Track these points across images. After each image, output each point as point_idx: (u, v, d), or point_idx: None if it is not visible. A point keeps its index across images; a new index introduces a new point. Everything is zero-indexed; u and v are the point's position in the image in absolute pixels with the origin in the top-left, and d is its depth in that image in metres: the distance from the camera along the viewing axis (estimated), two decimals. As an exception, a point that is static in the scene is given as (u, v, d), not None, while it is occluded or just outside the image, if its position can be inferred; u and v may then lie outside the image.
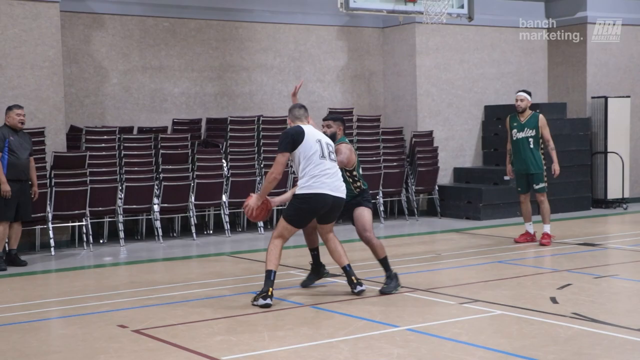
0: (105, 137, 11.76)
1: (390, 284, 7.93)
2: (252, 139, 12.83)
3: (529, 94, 11.04)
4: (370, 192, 13.17)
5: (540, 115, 10.92)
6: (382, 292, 7.86)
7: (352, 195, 8.08)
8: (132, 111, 12.99)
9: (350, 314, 7.10)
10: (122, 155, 11.72)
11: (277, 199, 8.01)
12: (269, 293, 7.35)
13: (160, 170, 11.86)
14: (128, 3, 12.92)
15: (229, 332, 6.54)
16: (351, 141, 13.59)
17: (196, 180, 11.96)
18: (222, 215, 12.32)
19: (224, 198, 12.20)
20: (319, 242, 8.23)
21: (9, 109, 10.11)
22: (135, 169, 11.71)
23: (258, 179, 12.45)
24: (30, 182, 10.21)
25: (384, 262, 8.04)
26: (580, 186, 14.94)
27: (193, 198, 11.96)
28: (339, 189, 7.59)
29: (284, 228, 7.52)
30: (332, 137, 8.08)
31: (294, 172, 12.09)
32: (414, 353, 5.87)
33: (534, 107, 10.97)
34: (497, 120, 14.87)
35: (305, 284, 8.32)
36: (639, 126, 16.01)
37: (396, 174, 13.77)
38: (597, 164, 15.27)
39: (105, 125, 12.48)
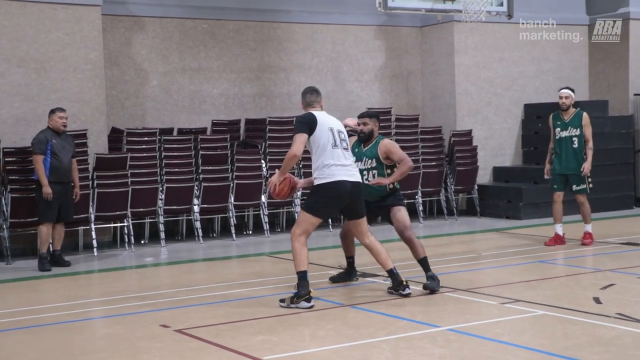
0: (145, 138, 11.88)
1: (434, 281, 7.89)
2: (291, 139, 12.78)
3: (573, 91, 10.79)
4: (409, 191, 13.36)
5: (585, 114, 10.64)
6: (426, 287, 7.83)
7: (384, 194, 8.11)
8: (172, 112, 13.10)
9: (390, 314, 7.08)
10: (162, 156, 11.83)
11: (302, 181, 8.03)
12: (310, 295, 7.33)
13: (200, 171, 11.94)
14: (168, 5, 13.05)
15: (270, 332, 6.57)
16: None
17: (235, 181, 12.03)
18: (262, 216, 12.38)
19: (263, 198, 12.24)
20: (355, 251, 8.40)
21: (52, 112, 10.27)
22: (176, 170, 11.81)
23: (297, 178, 12.44)
24: (72, 184, 10.36)
25: (423, 262, 8.02)
26: (623, 184, 14.72)
27: (232, 198, 12.03)
28: (354, 175, 7.46)
29: (305, 221, 7.37)
30: (370, 134, 8.14)
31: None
32: (456, 353, 5.84)
33: (575, 105, 10.78)
34: (537, 118, 14.73)
35: (335, 280, 8.46)
36: (683, 123, 15.74)
37: (435, 174, 13.71)
38: (640, 162, 15.06)
39: (146, 126, 12.60)
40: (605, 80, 15.69)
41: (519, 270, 9.23)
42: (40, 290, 8.96)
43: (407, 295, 7.66)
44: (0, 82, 10.95)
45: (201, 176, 11.91)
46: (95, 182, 11.08)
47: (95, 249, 10.99)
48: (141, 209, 11.48)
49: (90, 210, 11.01)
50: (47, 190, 9.95)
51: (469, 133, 14.42)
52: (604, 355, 5.68)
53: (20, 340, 6.68)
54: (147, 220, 11.87)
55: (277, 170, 7.65)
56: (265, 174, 12.31)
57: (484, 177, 14.78)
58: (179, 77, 13.16)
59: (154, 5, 12.93)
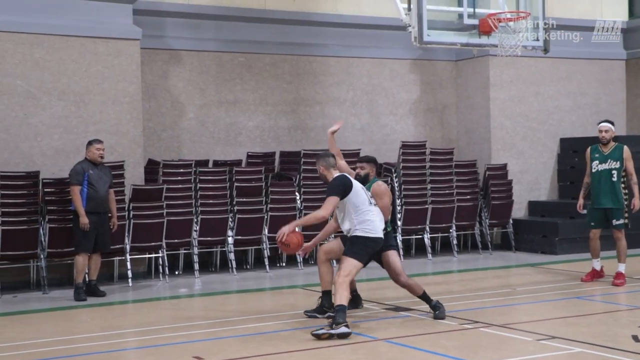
0: (181, 170, 11.98)
1: (440, 309, 8.21)
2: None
3: (613, 124, 10.61)
4: (443, 225, 13.30)
5: (625, 147, 10.47)
6: (437, 318, 8.14)
7: None
8: (208, 144, 13.23)
9: (424, 348, 7.03)
10: (197, 188, 11.91)
11: (308, 244, 8.43)
12: (347, 324, 7.48)
13: (234, 202, 12.01)
14: (205, 39, 13.22)
15: (302, 366, 6.54)
16: (423, 175, 13.55)
17: (270, 213, 12.07)
18: (295, 248, 12.36)
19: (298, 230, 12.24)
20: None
21: (89, 143, 10.43)
22: (210, 201, 11.88)
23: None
24: (109, 214, 10.48)
25: (424, 297, 8.33)
26: (662, 220, 14.49)
27: (266, 230, 12.06)
28: (382, 232, 8.03)
29: (353, 266, 7.76)
30: (366, 177, 8.46)
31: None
32: (490, 390, 5.76)
33: (613, 140, 10.65)
34: (573, 152, 14.62)
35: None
36: None
37: (469, 207, 13.64)
38: (679, 198, 14.81)
39: (182, 158, 12.73)
40: (643, 114, 15.56)
41: (554, 306, 9.11)
42: (76, 320, 9.04)
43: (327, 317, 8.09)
44: (41, 114, 11.16)
45: (235, 208, 11.97)
46: (132, 212, 11.19)
47: (130, 280, 11.07)
48: (176, 240, 11.56)
49: (126, 240, 11.10)
50: (83, 220, 10.08)
51: (504, 167, 14.35)
52: (643, 395, 5.57)
53: (55, 370, 6.73)
54: (182, 252, 11.94)
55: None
56: (299, 206, 12.35)
57: (519, 211, 14.67)
58: (214, 110, 13.30)
59: (191, 39, 13.13)
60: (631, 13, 16.00)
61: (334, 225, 8.34)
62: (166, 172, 11.87)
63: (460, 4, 11.80)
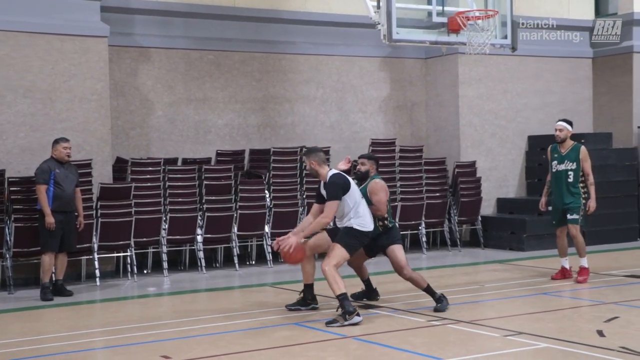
0: (150, 168, 11.94)
1: (442, 302, 8.46)
2: (295, 170, 12.91)
3: (570, 123, 10.57)
4: (413, 222, 13.37)
5: (582, 147, 10.41)
6: (437, 310, 8.38)
7: (378, 232, 8.56)
8: (177, 143, 13.18)
9: (392, 345, 7.08)
10: (166, 186, 11.88)
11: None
12: (358, 311, 7.90)
13: (203, 201, 11.98)
14: (173, 37, 13.17)
15: (271, 364, 6.56)
16: (392, 172, 13.62)
17: (239, 211, 12.05)
18: (265, 246, 12.39)
19: (267, 229, 12.27)
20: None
21: (56, 142, 10.34)
22: (179, 199, 11.84)
23: (300, 209, 12.51)
24: (76, 213, 10.41)
25: (428, 290, 8.56)
26: (627, 217, 14.71)
27: (236, 229, 12.05)
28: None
29: (341, 256, 8.10)
30: (366, 174, 8.78)
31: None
32: (457, 386, 5.82)
33: (579, 137, 10.69)
34: (540, 150, 14.75)
35: (356, 297, 9.00)
36: (687, 156, 15.76)
37: (439, 205, 13.73)
38: (644, 195, 15.04)
39: (151, 156, 12.68)
40: (609, 112, 15.76)
41: (522, 302, 9.21)
42: (43, 320, 8.97)
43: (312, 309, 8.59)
44: (7, 112, 11.04)
45: (205, 206, 11.95)
46: (99, 211, 11.12)
47: (97, 279, 11.00)
48: (144, 239, 11.51)
49: (94, 239, 11.04)
50: (49, 219, 10.00)
51: (472, 164, 14.46)
52: (607, 389, 5.66)
53: (21, 370, 6.68)
54: (150, 250, 11.89)
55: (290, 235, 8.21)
56: (269, 204, 12.35)
57: (487, 208, 14.79)
58: (184, 108, 13.25)
59: (160, 37, 13.07)
60: (597, 11, 16.19)
61: (313, 220, 8.37)
62: (135, 170, 11.82)
63: (429, 2, 11.87)
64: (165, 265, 11.64)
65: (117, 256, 11.58)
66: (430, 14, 11.86)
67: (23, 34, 11.14)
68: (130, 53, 12.85)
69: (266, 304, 9.25)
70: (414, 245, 13.80)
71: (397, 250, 8.55)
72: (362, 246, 8.41)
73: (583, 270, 10.35)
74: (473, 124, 14.79)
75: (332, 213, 8.05)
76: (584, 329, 7.62)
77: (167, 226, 11.64)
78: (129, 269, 11.38)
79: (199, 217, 11.87)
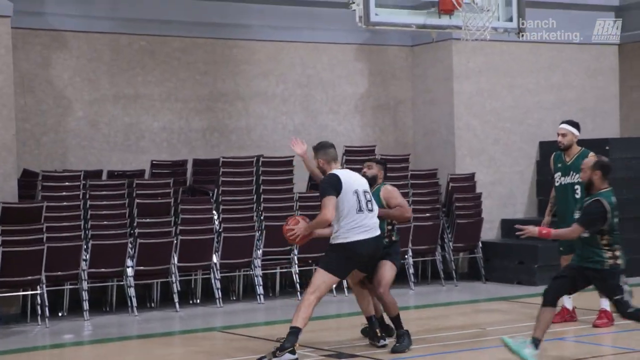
0: (67, 183, 11.90)
1: (403, 342, 8.81)
2: (250, 185, 12.90)
3: (575, 125, 10.47)
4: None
5: (591, 154, 10.03)
6: (395, 351, 8.74)
7: (382, 246, 8.88)
8: (101, 151, 13.12)
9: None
10: (87, 206, 11.82)
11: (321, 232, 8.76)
12: (295, 347, 8.12)
13: (135, 224, 11.93)
14: (96, 17, 13.12)
15: None
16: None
17: (180, 237, 12.01)
18: (213, 281, 12.34)
19: (215, 259, 12.23)
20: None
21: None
22: (105, 223, 11.79)
23: (257, 234, 12.49)
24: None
25: (396, 320, 8.92)
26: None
27: (176, 259, 12.00)
28: (376, 231, 8.58)
29: (322, 281, 8.36)
30: (373, 179, 9.20)
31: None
32: None
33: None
34: (555, 159, 14.86)
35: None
36: None
37: (429, 228, 13.77)
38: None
39: (67, 168, 12.60)
40: None
41: (533, 349, 9.24)
42: None
43: (383, 347, 8.84)
44: None
45: (137, 231, 11.89)
46: (0, 238, 11.01)
47: (-1, 324, 10.92)
48: (59, 273, 11.42)
49: (-5, 274, 10.94)
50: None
51: (471, 177, 14.54)
52: None
53: None
54: (67, 287, 11.78)
55: (298, 217, 8.74)
56: (218, 228, 12.31)
57: (490, 232, 14.87)
58: (109, 107, 13.20)
59: (78, 17, 13.00)
60: (625, -11, 16.39)
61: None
62: (47, 186, 11.76)
63: (416, -24, 11.98)
64: (85, 305, 11.55)
65: (23, 295, 11.47)
66: (417, -10, 11.97)
67: None
68: (41, 38, 12.79)
69: (214, 354, 9.21)
70: (398, 277, 13.75)
71: (388, 266, 8.96)
72: (355, 257, 8.50)
73: (604, 313, 10.14)
74: (471, 127, 14.87)
75: (330, 211, 8.28)
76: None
77: (88, 256, 11.56)
78: (39, 311, 11.27)
79: (130, 245, 11.81)
